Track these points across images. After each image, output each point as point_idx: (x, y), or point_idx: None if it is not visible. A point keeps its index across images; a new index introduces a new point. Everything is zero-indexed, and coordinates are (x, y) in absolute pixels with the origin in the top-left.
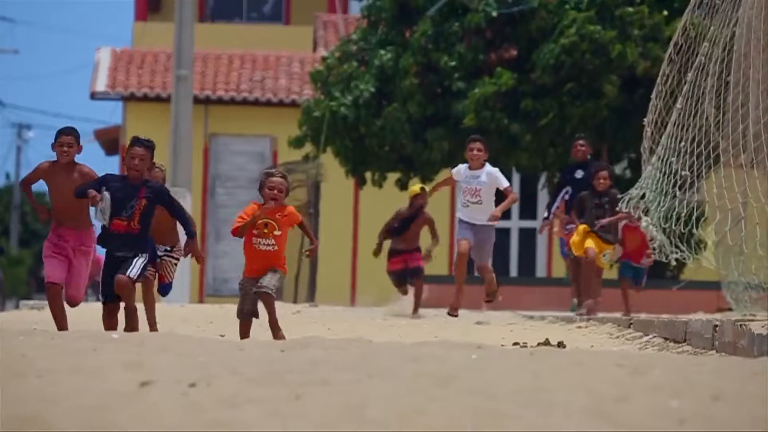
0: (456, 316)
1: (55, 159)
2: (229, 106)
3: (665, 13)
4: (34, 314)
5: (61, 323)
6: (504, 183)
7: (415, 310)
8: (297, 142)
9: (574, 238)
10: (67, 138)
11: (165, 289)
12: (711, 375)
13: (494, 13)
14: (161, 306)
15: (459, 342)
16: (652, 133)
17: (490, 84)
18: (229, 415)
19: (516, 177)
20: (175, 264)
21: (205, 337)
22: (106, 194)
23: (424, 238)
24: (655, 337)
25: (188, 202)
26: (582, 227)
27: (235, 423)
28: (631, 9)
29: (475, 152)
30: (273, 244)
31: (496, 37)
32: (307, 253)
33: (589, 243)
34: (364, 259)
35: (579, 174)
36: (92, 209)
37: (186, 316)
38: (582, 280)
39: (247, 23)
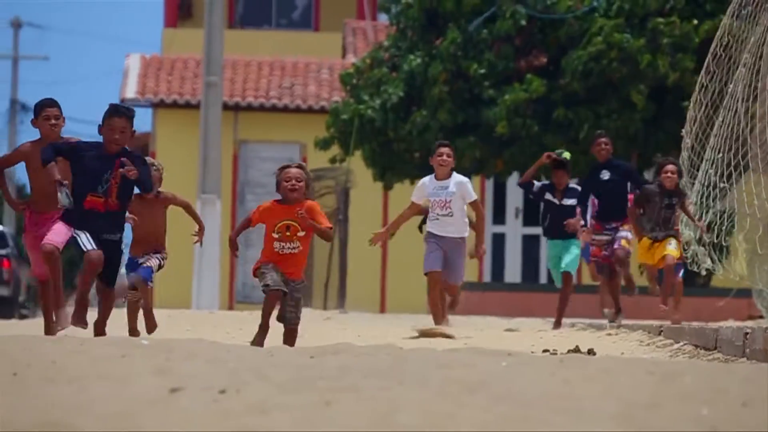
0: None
1: (38, 138)
2: (258, 112)
3: (695, 21)
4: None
5: (51, 322)
6: (473, 195)
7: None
8: (324, 144)
9: (641, 246)
10: (53, 110)
11: (145, 271)
12: (742, 382)
13: (523, 21)
14: (192, 313)
15: (489, 349)
16: (692, 145)
17: (520, 91)
18: (258, 422)
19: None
20: (158, 262)
21: (234, 344)
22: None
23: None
24: (685, 344)
25: (218, 209)
26: (646, 241)
27: (265, 429)
28: (661, 19)
29: (444, 158)
30: (297, 246)
31: (526, 45)
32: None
33: (659, 251)
34: (393, 265)
35: (605, 175)
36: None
37: (215, 322)
38: (665, 290)
39: (277, 30)
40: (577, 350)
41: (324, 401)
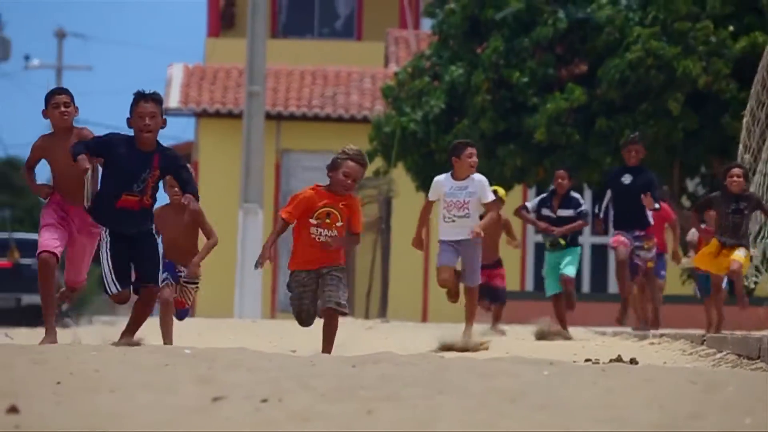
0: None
1: (50, 131)
2: (300, 122)
3: (731, 28)
4: (107, 330)
5: (49, 310)
6: (490, 196)
7: (495, 325)
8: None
9: (704, 251)
10: (62, 97)
11: (182, 314)
12: None
13: (563, 26)
14: (234, 322)
15: (531, 358)
16: (755, 158)
17: (562, 99)
18: (300, 430)
19: (588, 193)
20: (196, 290)
21: (276, 353)
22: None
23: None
24: (728, 353)
25: (260, 218)
26: (712, 245)
27: None
28: (694, 24)
29: (475, 158)
30: (334, 236)
31: (567, 53)
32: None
33: (722, 260)
34: (435, 274)
35: (627, 179)
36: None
37: (257, 332)
38: (737, 293)
39: (319, 39)
40: (619, 359)
41: (365, 410)
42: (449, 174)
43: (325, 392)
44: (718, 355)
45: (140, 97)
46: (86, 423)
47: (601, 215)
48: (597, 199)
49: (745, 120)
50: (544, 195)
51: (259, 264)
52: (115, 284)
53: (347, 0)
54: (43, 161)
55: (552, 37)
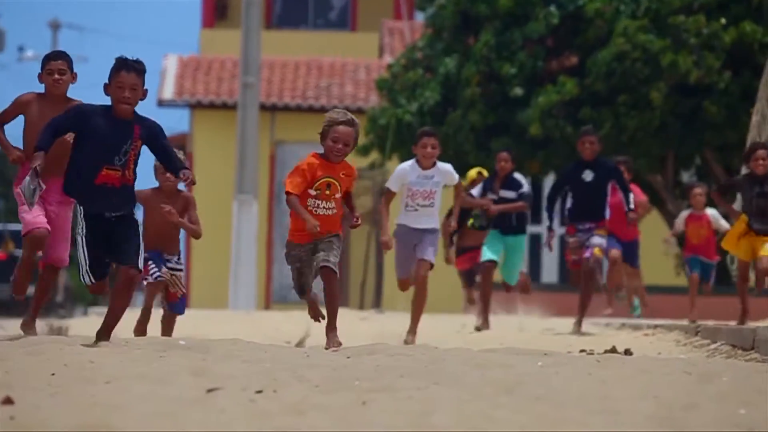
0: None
1: (42, 91)
2: (295, 113)
3: (723, 21)
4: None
5: (46, 293)
6: (456, 177)
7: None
8: (363, 150)
9: (732, 232)
10: (58, 63)
11: (179, 306)
12: None
13: (555, 21)
14: (228, 314)
15: (525, 349)
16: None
17: (553, 92)
18: (295, 422)
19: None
20: (181, 275)
21: (271, 344)
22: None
23: None
24: (723, 344)
25: (254, 209)
26: (741, 223)
27: (302, 429)
28: (686, 17)
29: (429, 149)
30: (333, 208)
31: (558, 45)
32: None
33: (753, 246)
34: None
35: (588, 176)
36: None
37: (252, 323)
38: (758, 285)
39: (314, 30)
40: (613, 350)
41: (360, 401)
42: (414, 162)
43: (319, 383)
44: (713, 346)
45: (122, 65)
46: (81, 414)
47: (553, 228)
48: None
49: (754, 119)
50: (488, 180)
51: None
52: (89, 275)
53: None
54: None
55: (544, 33)
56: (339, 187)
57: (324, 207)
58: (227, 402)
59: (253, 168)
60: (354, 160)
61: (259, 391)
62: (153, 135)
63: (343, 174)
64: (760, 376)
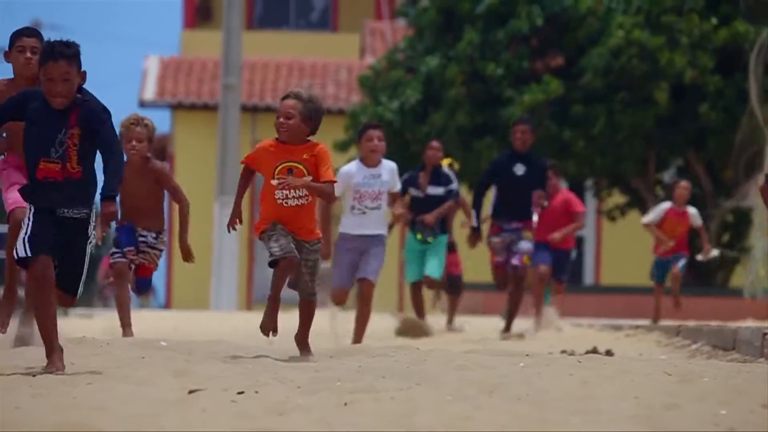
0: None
1: (11, 77)
2: (276, 114)
3: (714, 21)
4: (85, 323)
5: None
6: (398, 185)
7: (450, 321)
8: (342, 146)
9: None
10: (30, 40)
11: (144, 284)
12: (760, 383)
13: (539, 21)
14: (210, 314)
15: (506, 350)
16: None
17: (538, 91)
18: (277, 423)
19: (563, 184)
20: (160, 255)
21: (253, 345)
22: None
23: None
24: (703, 345)
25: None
26: None
27: (284, 430)
28: (679, 17)
29: (375, 142)
30: (305, 196)
31: (542, 45)
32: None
33: None
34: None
35: (519, 169)
36: None
37: (234, 324)
38: None
39: (295, 31)
40: (595, 351)
41: (342, 402)
42: (359, 161)
43: (301, 384)
44: (694, 347)
45: (49, 54)
46: (63, 415)
47: (475, 223)
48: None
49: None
50: (411, 173)
51: (230, 227)
52: (25, 247)
53: None
54: None
55: (527, 31)
56: (305, 171)
57: (294, 197)
58: (209, 403)
59: (234, 169)
60: (336, 156)
61: (241, 392)
62: (89, 119)
63: (306, 155)
64: (741, 376)
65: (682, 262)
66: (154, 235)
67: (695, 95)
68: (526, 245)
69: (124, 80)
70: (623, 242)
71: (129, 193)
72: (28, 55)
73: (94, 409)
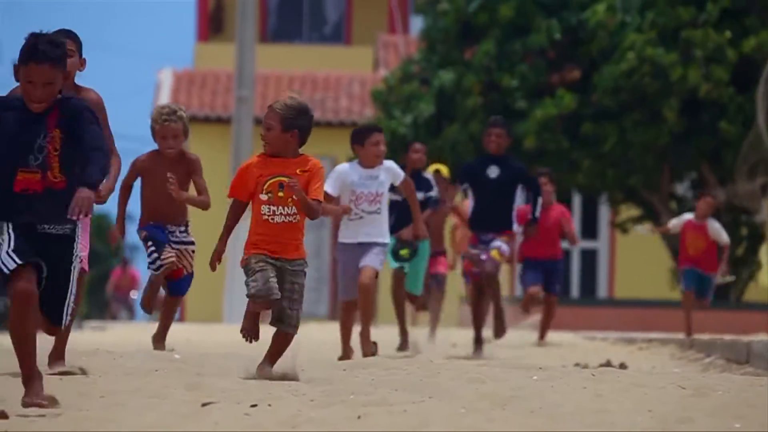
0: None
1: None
2: None
3: (728, 34)
4: (98, 335)
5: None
6: (401, 174)
7: (432, 330)
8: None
9: None
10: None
11: (182, 286)
12: None
13: (557, 35)
14: (223, 327)
15: (520, 363)
16: None
17: (551, 106)
18: None
19: (577, 197)
20: (194, 251)
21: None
22: None
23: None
24: (717, 358)
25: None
26: None
27: None
28: (693, 30)
29: (381, 147)
30: (295, 214)
31: (559, 58)
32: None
33: None
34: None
35: (493, 172)
36: None
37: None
38: None
39: (308, 44)
40: (608, 364)
41: (355, 415)
42: (355, 162)
43: (314, 397)
44: (707, 360)
45: (31, 55)
46: (77, 428)
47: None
48: (585, 201)
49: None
50: None
51: (212, 266)
52: (11, 257)
53: (336, 5)
54: None
55: (546, 45)
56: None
57: (282, 213)
58: (222, 416)
59: None
60: None
61: (254, 405)
62: (71, 120)
63: (300, 170)
64: (755, 390)
65: (708, 293)
66: (182, 228)
67: (711, 109)
68: (498, 242)
69: (138, 93)
70: (637, 255)
71: (159, 186)
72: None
73: (107, 421)
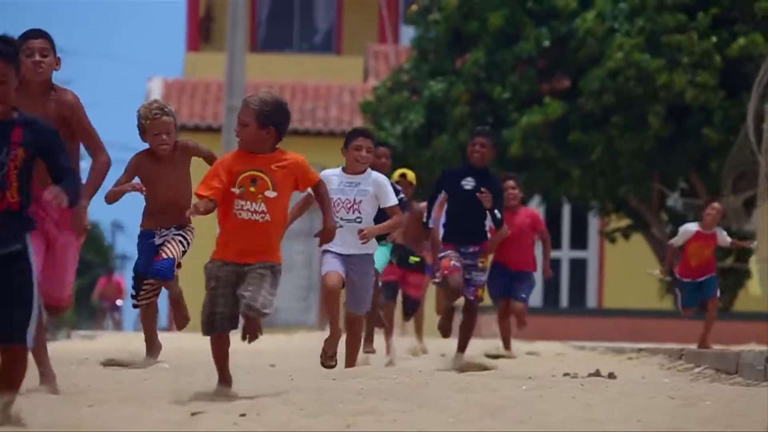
0: (332, 366)
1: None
2: None
3: (714, 39)
4: (87, 344)
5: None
6: (393, 199)
7: (419, 339)
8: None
9: None
10: (38, 42)
11: (163, 268)
12: (763, 407)
13: (546, 43)
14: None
15: (509, 373)
16: None
17: (538, 113)
18: None
19: (566, 207)
20: (183, 244)
21: (255, 367)
22: None
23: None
24: (706, 368)
25: None
26: None
27: None
28: (679, 36)
29: (363, 153)
30: (264, 212)
31: (548, 67)
32: (317, 235)
33: None
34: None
35: (469, 183)
36: None
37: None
38: None
39: (299, 53)
40: (597, 374)
41: (345, 424)
42: (341, 168)
43: (303, 406)
44: (696, 370)
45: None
46: None
47: (431, 224)
48: (575, 211)
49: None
50: None
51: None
52: None
53: (327, 14)
54: None
55: (535, 54)
56: (270, 183)
57: (249, 210)
58: (211, 425)
59: None
60: None
61: (243, 414)
62: (41, 143)
63: (276, 166)
64: (744, 399)
65: (716, 291)
66: (176, 228)
67: (698, 115)
68: (481, 278)
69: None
70: (626, 265)
71: (159, 192)
72: (37, 58)
73: (96, 430)
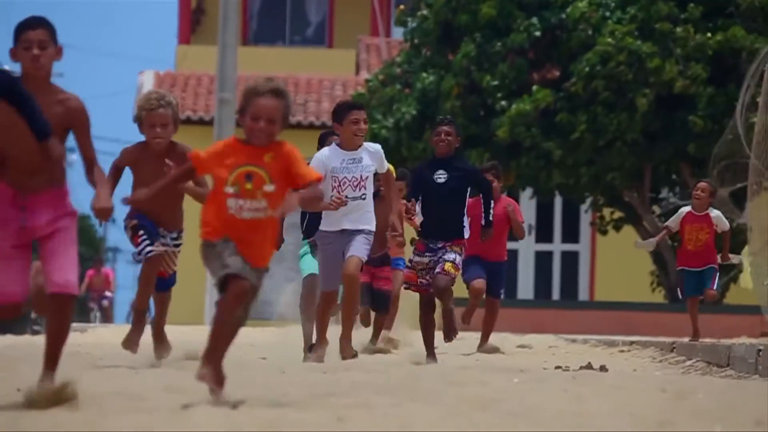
0: (355, 355)
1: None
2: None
3: (708, 34)
4: (77, 337)
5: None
6: (386, 165)
7: (389, 336)
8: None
9: None
10: (37, 33)
11: (164, 284)
12: (754, 400)
13: (537, 33)
14: (204, 329)
15: (501, 366)
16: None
17: (527, 102)
18: None
19: (558, 199)
20: (178, 255)
21: (246, 360)
22: None
23: None
24: (698, 361)
25: None
26: None
27: None
28: (674, 26)
29: (362, 125)
30: (264, 208)
31: (539, 57)
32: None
33: None
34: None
35: (441, 177)
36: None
37: None
38: None
39: (290, 46)
40: (589, 367)
41: (336, 418)
42: (334, 146)
43: (295, 400)
44: (688, 363)
45: None
46: (55, 430)
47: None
48: (567, 204)
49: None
50: None
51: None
52: None
53: (318, 7)
54: None
55: (526, 45)
56: (266, 177)
57: (250, 208)
58: (202, 418)
59: None
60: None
61: (235, 407)
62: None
63: (268, 158)
64: (735, 392)
65: (716, 281)
66: (174, 235)
67: (688, 106)
68: (451, 255)
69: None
70: (618, 257)
71: (149, 183)
72: (35, 51)
73: (86, 423)
